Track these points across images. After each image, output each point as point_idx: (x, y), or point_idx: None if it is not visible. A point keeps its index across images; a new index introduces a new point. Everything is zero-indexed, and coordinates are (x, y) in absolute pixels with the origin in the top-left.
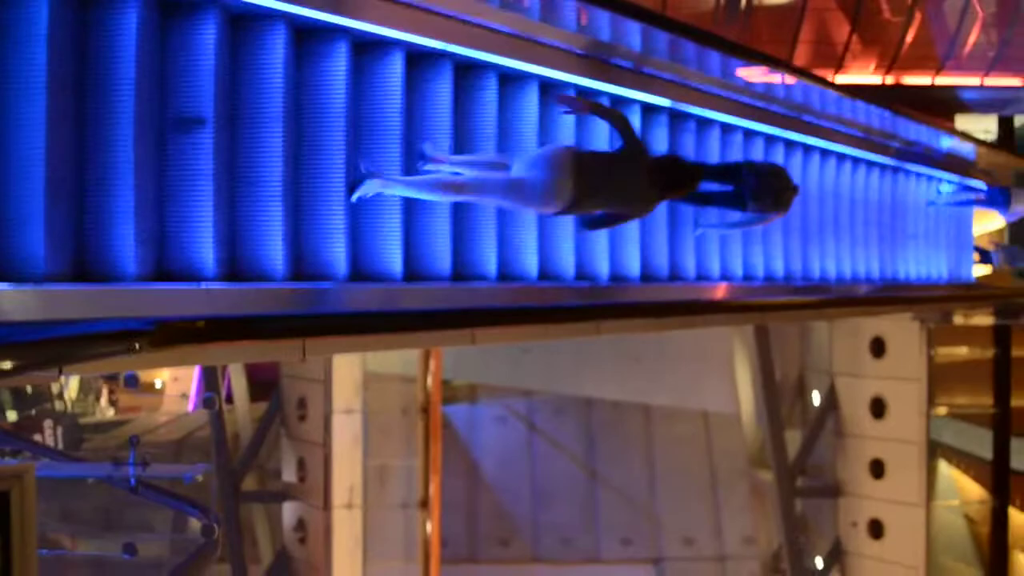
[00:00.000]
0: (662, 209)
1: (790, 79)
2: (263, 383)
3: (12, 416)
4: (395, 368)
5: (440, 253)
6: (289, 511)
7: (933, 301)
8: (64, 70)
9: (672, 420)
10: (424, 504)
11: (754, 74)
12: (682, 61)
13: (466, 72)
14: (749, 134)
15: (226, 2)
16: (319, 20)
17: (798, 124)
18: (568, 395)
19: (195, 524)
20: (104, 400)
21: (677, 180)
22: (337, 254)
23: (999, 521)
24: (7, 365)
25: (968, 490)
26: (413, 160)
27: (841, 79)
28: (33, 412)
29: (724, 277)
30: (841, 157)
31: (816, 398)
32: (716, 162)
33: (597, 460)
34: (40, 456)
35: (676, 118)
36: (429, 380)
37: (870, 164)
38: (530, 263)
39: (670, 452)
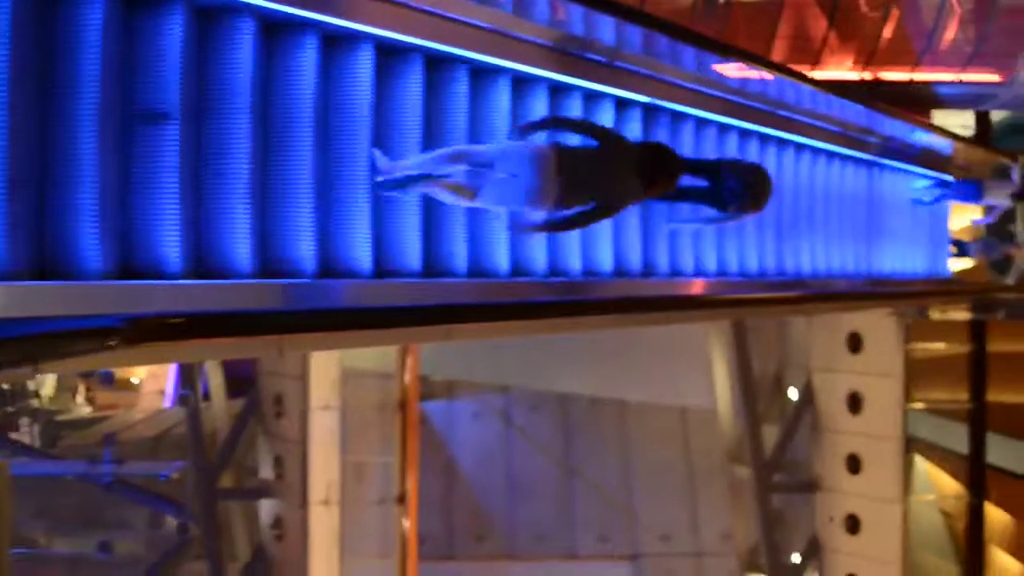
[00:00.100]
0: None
1: (766, 74)
2: (240, 380)
3: None
4: (372, 364)
5: (410, 248)
6: (266, 508)
7: (910, 296)
8: (26, 63)
9: (649, 416)
10: (401, 500)
11: (730, 69)
12: (657, 56)
13: (437, 66)
14: (724, 128)
15: None
16: (288, 13)
17: (774, 119)
18: (545, 391)
19: (172, 522)
20: (81, 397)
21: (663, 165)
22: (305, 250)
23: (975, 516)
24: None
25: (944, 485)
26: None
27: (819, 75)
28: (10, 409)
29: (698, 273)
30: (816, 152)
31: (793, 393)
32: (694, 157)
33: (574, 456)
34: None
35: (650, 113)
36: (406, 376)
37: (845, 159)
38: (501, 259)
39: (647, 448)
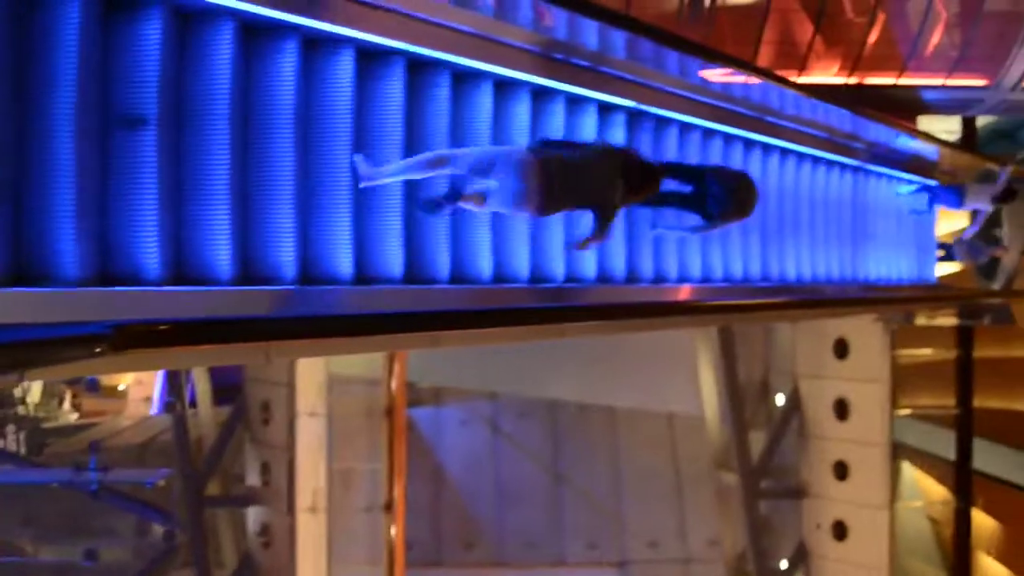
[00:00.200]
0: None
1: (750, 79)
2: (227, 387)
3: None
4: (359, 371)
5: (391, 254)
6: (253, 515)
7: (896, 302)
8: (0, 64)
9: (637, 423)
10: (389, 508)
11: (714, 74)
12: (641, 61)
13: (419, 70)
14: (709, 133)
15: None
16: (268, 17)
17: (758, 124)
18: (533, 397)
19: (158, 529)
20: (67, 404)
21: (642, 176)
22: (286, 256)
23: (962, 522)
24: None
25: (931, 491)
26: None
27: (805, 80)
28: None
29: (684, 279)
30: (802, 157)
31: (780, 400)
32: (679, 161)
33: (562, 463)
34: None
35: (634, 117)
36: (393, 383)
37: (831, 164)
38: (483, 265)
39: (635, 455)
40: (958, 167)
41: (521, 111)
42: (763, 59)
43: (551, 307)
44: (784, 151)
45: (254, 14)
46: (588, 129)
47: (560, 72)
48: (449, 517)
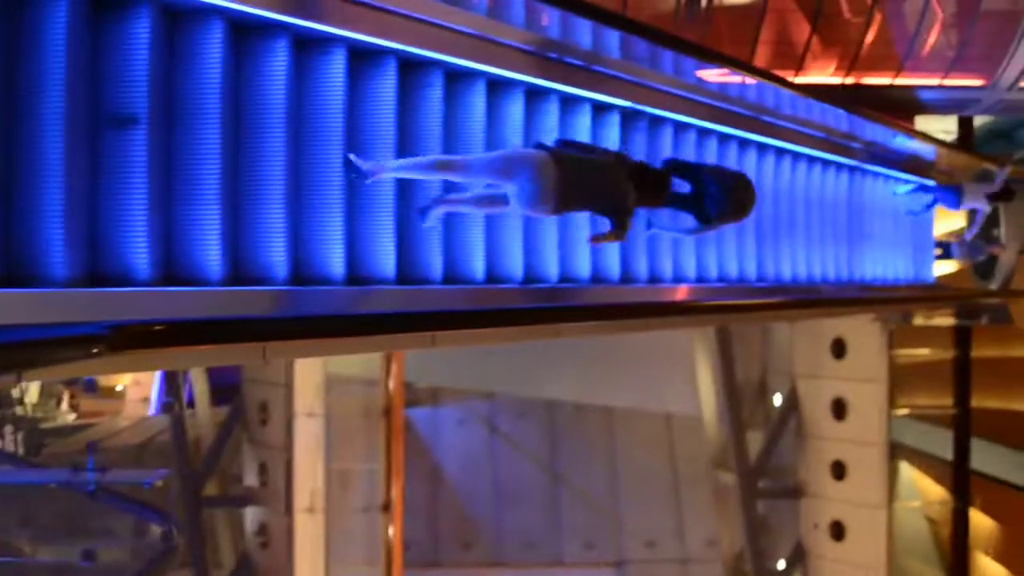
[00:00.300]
0: None
1: (746, 79)
2: (225, 387)
3: None
4: (357, 371)
5: (384, 255)
6: (251, 516)
7: (893, 302)
8: None
9: (635, 423)
10: (386, 508)
11: (710, 74)
12: (636, 60)
13: (411, 69)
14: (704, 132)
15: None
16: (258, 16)
17: (754, 123)
18: (530, 398)
19: (156, 529)
20: (65, 405)
21: (652, 184)
22: (277, 256)
23: (960, 522)
24: None
25: (929, 491)
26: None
27: (802, 80)
28: None
29: (682, 279)
30: (798, 156)
31: (777, 399)
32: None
33: (559, 463)
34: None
35: (629, 116)
36: (391, 383)
37: (827, 164)
38: (477, 265)
39: (633, 455)
40: (955, 167)
41: (515, 111)
42: (760, 59)
43: (547, 307)
44: (780, 151)
45: (244, 13)
46: (582, 128)
47: (554, 71)
48: (447, 517)
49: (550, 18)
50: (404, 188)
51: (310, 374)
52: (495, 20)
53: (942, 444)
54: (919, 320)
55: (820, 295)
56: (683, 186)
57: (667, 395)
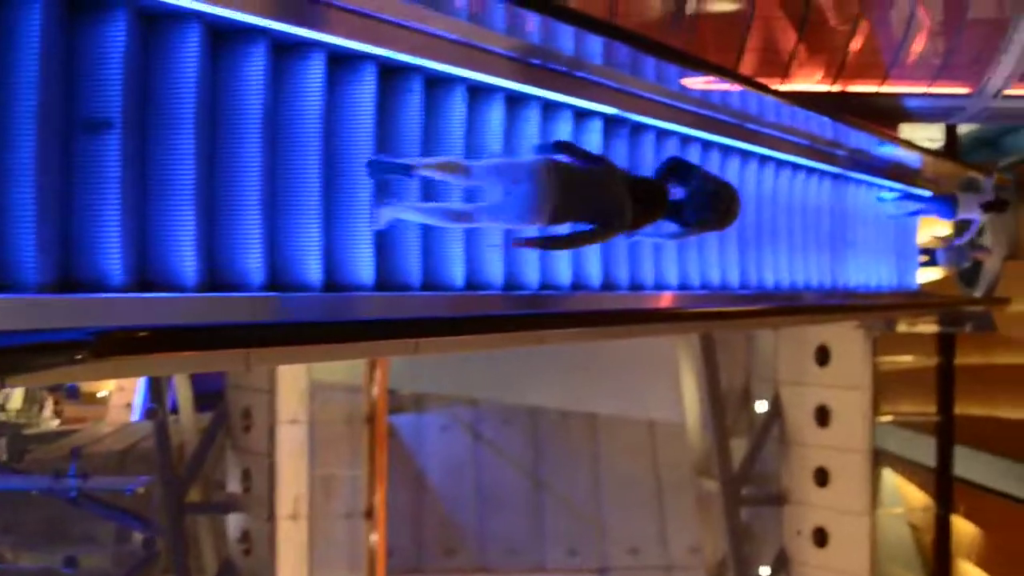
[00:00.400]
0: None
1: (730, 86)
2: (208, 393)
3: None
4: (340, 378)
5: (362, 261)
6: (234, 522)
7: (877, 309)
8: None
9: (618, 430)
10: (369, 514)
11: (693, 81)
12: (620, 67)
13: (391, 75)
14: (686, 139)
15: (137, 0)
16: (235, 20)
17: (737, 130)
18: (514, 404)
19: (139, 536)
20: (48, 411)
21: (654, 199)
22: (254, 263)
23: (943, 529)
24: None
25: (912, 498)
26: (332, 161)
27: (788, 87)
28: None
29: (659, 286)
30: (780, 163)
31: (761, 406)
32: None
33: (543, 470)
34: None
35: (611, 123)
36: (374, 390)
37: (811, 171)
38: (456, 272)
39: (616, 462)
40: (941, 175)
41: (495, 117)
42: (746, 66)
43: (531, 314)
44: (764, 158)
45: (221, 17)
46: (563, 136)
47: (536, 77)
48: (430, 524)
49: (532, 24)
50: (383, 193)
51: (294, 381)
52: (476, 25)
53: (925, 451)
54: (903, 327)
55: (803, 302)
56: (678, 192)
57: (650, 402)
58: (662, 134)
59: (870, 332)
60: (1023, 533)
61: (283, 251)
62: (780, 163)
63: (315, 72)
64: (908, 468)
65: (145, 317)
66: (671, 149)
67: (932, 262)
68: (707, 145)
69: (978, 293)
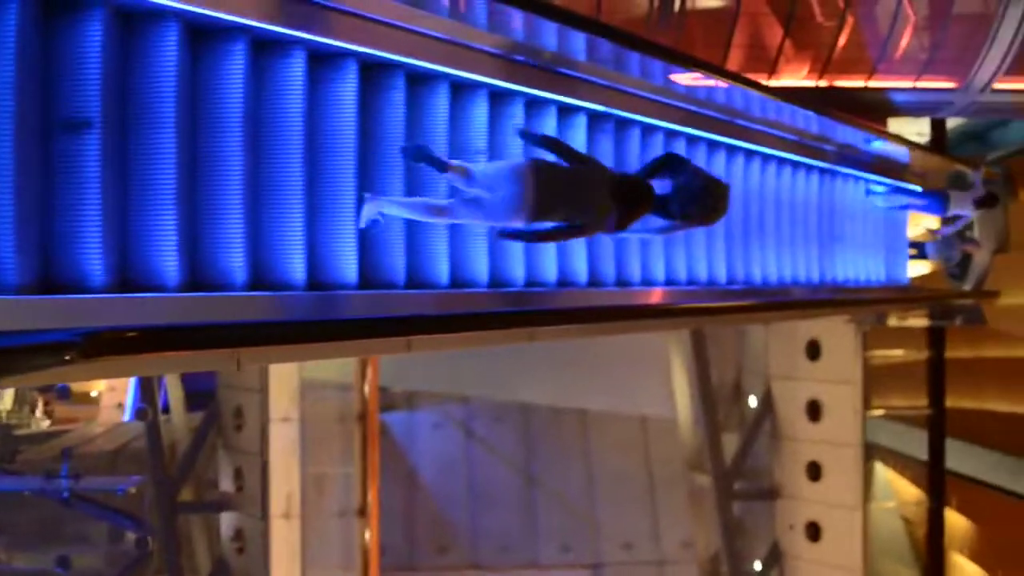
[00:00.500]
0: None
1: (715, 81)
2: (200, 393)
3: None
4: (332, 376)
5: (346, 260)
6: (226, 521)
7: (868, 303)
8: None
9: (610, 425)
10: (362, 512)
11: (679, 76)
12: (604, 63)
13: (373, 72)
14: (671, 135)
15: None
16: (214, 17)
17: (723, 126)
18: (506, 401)
19: (131, 536)
20: (39, 411)
21: (638, 198)
22: (236, 261)
23: (935, 522)
24: None
25: (904, 492)
26: (314, 161)
27: (775, 83)
28: None
29: (645, 281)
30: (767, 158)
31: (752, 401)
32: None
33: (535, 466)
34: None
35: (595, 118)
36: (366, 388)
37: (798, 166)
38: (441, 269)
39: (608, 457)
40: (928, 169)
41: (479, 113)
42: (733, 62)
43: (523, 311)
44: (750, 153)
45: (200, 15)
46: (548, 131)
47: (520, 74)
48: (423, 521)
49: (516, 20)
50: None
51: (285, 379)
52: (459, 22)
53: (917, 445)
54: (893, 321)
55: (793, 297)
56: (665, 186)
57: (642, 398)
58: (648, 130)
59: (861, 326)
60: (1015, 526)
61: (266, 250)
62: (767, 158)
63: (296, 70)
64: (900, 462)
65: (135, 317)
66: (657, 144)
67: (922, 255)
68: (693, 140)
69: (967, 287)
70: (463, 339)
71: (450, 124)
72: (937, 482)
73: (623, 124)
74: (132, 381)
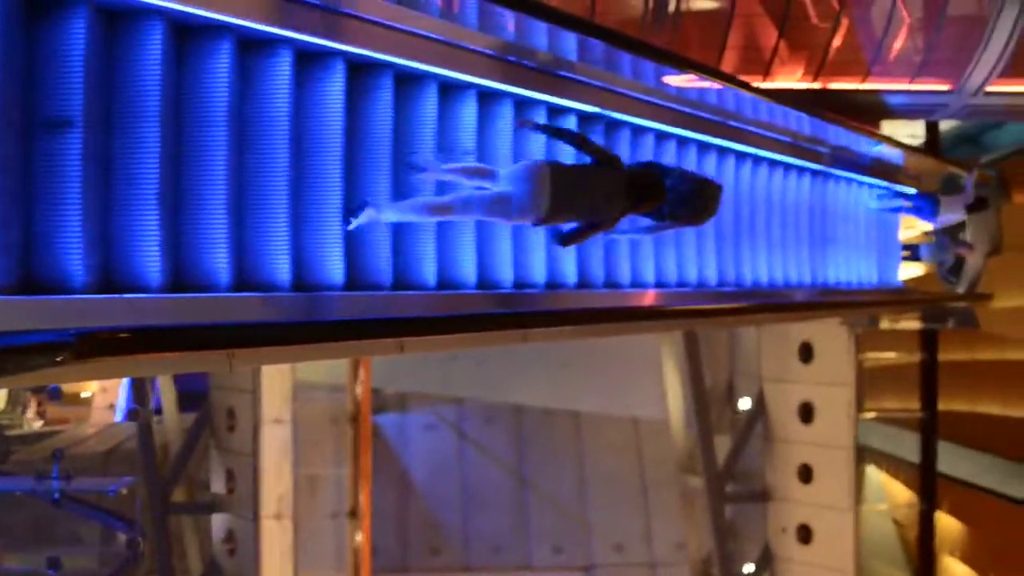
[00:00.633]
0: None
1: (708, 83)
2: (192, 394)
3: None
4: (324, 377)
5: (332, 261)
6: (218, 522)
7: (860, 306)
8: None
9: (602, 427)
10: (354, 514)
11: (670, 78)
12: (594, 63)
13: (360, 71)
14: (663, 136)
15: None
16: (200, 16)
17: (715, 127)
18: (498, 403)
19: (123, 537)
20: (32, 412)
21: (652, 190)
22: (220, 262)
23: (927, 525)
24: None
25: (896, 494)
26: (300, 161)
27: (769, 85)
28: None
29: (635, 283)
30: (759, 160)
31: (745, 403)
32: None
33: (528, 467)
34: None
35: (586, 120)
36: (358, 389)
37: (791, 167)
38: (428, 271)
39: (600, 459)
40: (922, 171)
41: (468, 114)
42: (727, 64)
43: (517, 312)
44: (742, 155)
45: (184, 13)
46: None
47: (509, 74)
48: (415, 523)
49: (506, 20)
50: (352, 192)
51: (278, 380)
52: (447, 22)
53: (909, 447)
54: (886, 324)
55: (786, 299)
56: None
57: (634, 399)
58: (638, 131)
59: (853, 329)
60: (1007, 529)
61: (251, 250)
62: (759, 160)
63: (282, 69)
64: (892, 464)
65: (122, 318)
66: (647, 146)
67: (915, 258)
68: (683, 142)
69: (960, 289)
70: (456, 340)
71: (439, 124)
72: (929, 485)
73: (613, 126)
74: (124, 382)
